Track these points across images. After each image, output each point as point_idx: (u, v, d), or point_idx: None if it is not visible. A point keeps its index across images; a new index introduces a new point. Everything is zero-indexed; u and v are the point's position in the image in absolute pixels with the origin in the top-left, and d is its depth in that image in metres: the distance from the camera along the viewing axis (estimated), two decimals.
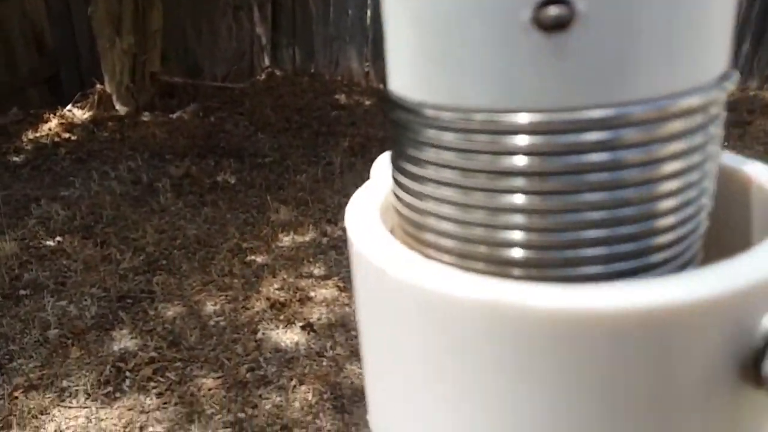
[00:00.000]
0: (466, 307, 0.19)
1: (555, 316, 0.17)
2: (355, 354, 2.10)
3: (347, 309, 2.31)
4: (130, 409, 1.86)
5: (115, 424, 1.81)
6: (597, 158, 0.18)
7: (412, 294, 0.20)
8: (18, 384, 1.96)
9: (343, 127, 4.04)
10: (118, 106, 4.19)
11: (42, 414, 1.86)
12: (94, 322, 2.25)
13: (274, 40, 4.82)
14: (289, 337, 2.18)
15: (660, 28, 0.17)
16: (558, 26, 0.17)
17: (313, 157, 3.61)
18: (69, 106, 4.15)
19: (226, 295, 2.42)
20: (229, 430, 1.80)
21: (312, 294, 2.40)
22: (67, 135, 3.88)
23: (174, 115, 4.22)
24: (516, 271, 0.20)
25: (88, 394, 1.91)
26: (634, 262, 0.19)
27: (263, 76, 4.82)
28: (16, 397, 1.91)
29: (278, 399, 1.91)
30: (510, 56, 0.17)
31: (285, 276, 2.51)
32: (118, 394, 1.92)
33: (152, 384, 1.97)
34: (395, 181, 0.24)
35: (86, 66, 4.31)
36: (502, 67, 0.18)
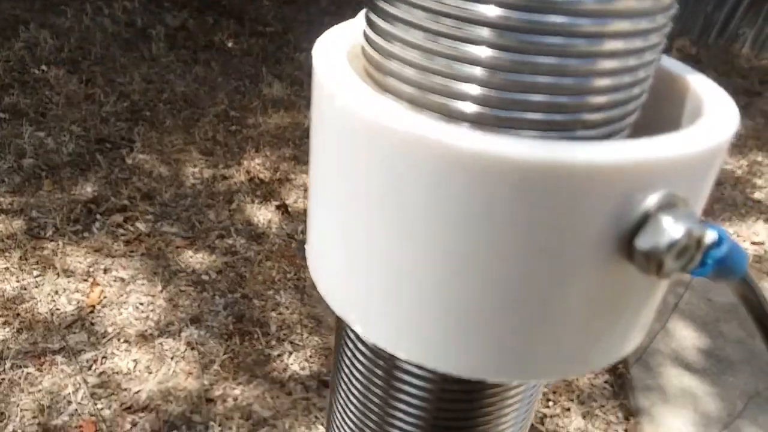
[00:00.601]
0: (401, 142, 0.20)
1: (469, 157, 0.19)
2: None
3: None
4: (96, 251, 1.89)
5: (80, 262, 1.84)
6: (555, 19, 0.19)
7: (363, 126, 0.21)
8: None
9: (352, 9, 3.88)
10: None
11: (8, 238, 1.87)
12: (70, 159, 2.22)
13: None
14: (262, 213, 2.20)
15: None
16: None
17: (316, 36, 3.48)
18: None
19: (207, 160, 2.40)
20: (191, 288, 1.84)
21: (292, 176, 2.40)
22: None
23: None
24: (468, 118, 0.21)
25: (57, 229, 1.93)
26: (566, 132, 0.21)
27: None
28: None
29: (243, 269, 1.95)
30: None
31: (268, 153, 2.49)
32: (86, 234, 1.94)
33: (121, 231, 1.99)
34: (367, 19, 0.24)
35: None
36: None
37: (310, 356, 1.73)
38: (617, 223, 0.20)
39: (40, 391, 1.48)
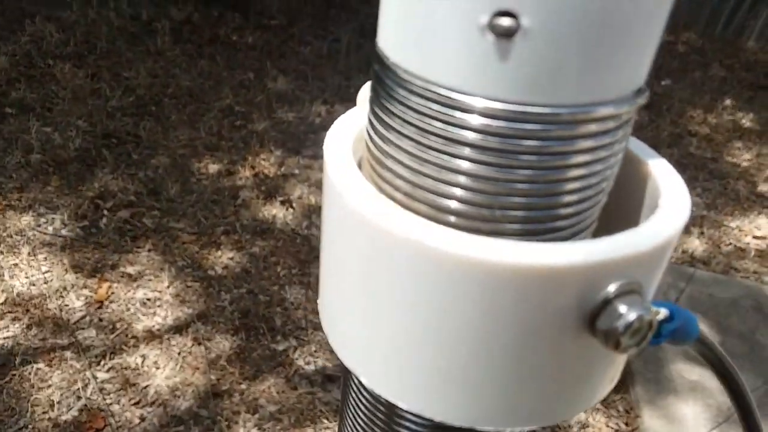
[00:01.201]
0: (397, 240, 0.24)
1: (455, 260, 0.23)
2: None
3: None
4: (104, 247, 1.91)
5: (88, 258, 1.86)
6: (528, 144, 0.23)
7: (360, 221, 0.25)
8: None
9: (357, 3, 3.88)
10: None
11: (17, 234, 1.90)
12: (77, 154, 2.24)
13: None
14: (267, 209, 2.22)
15: (587, 49, 0.21)
16: (506, 34, 0.21)
17: (320, 30, 3.50)
18: None
19: (212, 155, 2.42)
20: (197, 284, 1.87)
21: (296, 171, 2.42)
22: None
23: None
24: (451, 219, 0.25)
25: (65, 224, 1.95)
26: (542, 226, 0.25)
27: None
28: None
29: (248, 264, 1.98)
30: (468, 49, 0.22)
31: (273, 148, 2.51)
32: (93, 230, 1.96)
33: (128, 227, 2.01)
34: (369, 121, 0.28)
35: None
36: (461, 55, 0.22)
37: (315, 351, 1.75)
38: (582, 307, 0.24)
39: (50, 386, 1.51)
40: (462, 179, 0.24)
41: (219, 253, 2.00)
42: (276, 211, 2.21)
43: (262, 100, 2.78)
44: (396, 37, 0.24)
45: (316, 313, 1.86)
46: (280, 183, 2.33)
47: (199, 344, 1.70)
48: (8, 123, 2.32)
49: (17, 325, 1.65)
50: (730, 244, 2.55)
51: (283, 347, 1.74)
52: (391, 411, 0.31)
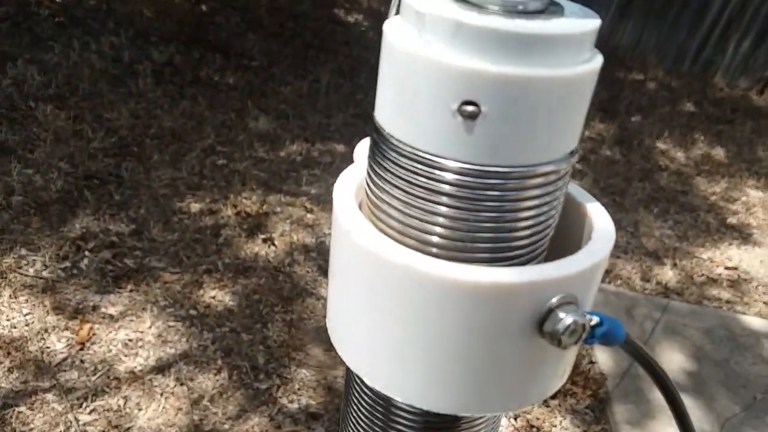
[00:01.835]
0: (393, 267, 0.31)
1: (438, 281, 0.31)
2: (310, 274, 2.17)
3: (310, 230, 2.37)
4: (85, 288, 1.91)
5: (69, 300, 1.86)
6: (491, 193, 0.30)
7: (363, 253, 0.32)
8: None
9: (336, 44, 3.98)
10: None
11: None
12: (58, 196, 2.25)
13: None
14: (249, 247, 2.24)
15: (529, 127, 0.29)
16: (470, 117, 0.28)
17: (300, 70, 3.57)
18: None
19: (194, 194, 2.44)
20: (180, 324, 1.87)
21: (278, 209, 2.45)
22: None
23: None
24: (434, 250, 0.32)
25: (46, 266, 1.95)
26: (504, 254, 0.32)
27: None
28: None
29: (231, 303, 1.99)
30: (443, 126, 0.29)
31: (255, 186, 2.54)
32: (75, 271, 1.97)
33: (110, 267, 2.02)
34: (368, 174, 0.35)
35: None
36: (438, 130, 0.30)
37: (299, 389, 1.76)
38: (532, 315, 0.31)
39: (32, 430, 1.50)
40: (441, 220, 0.31)
41: (201, 291, 2.02)
42: (258, 249, 2.23)
43: (244, 140, 2.82)
44: (390, 115, 0.31)
45: (299, 350, 1.88)
46: (262, 221, 2.36)
47: (182, 384, 1.70)
48: None
49: None
50: (703, 275, 2.61)
51: (266, 386, 1.75)
52: (388, 404, 0.38)
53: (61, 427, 1.52)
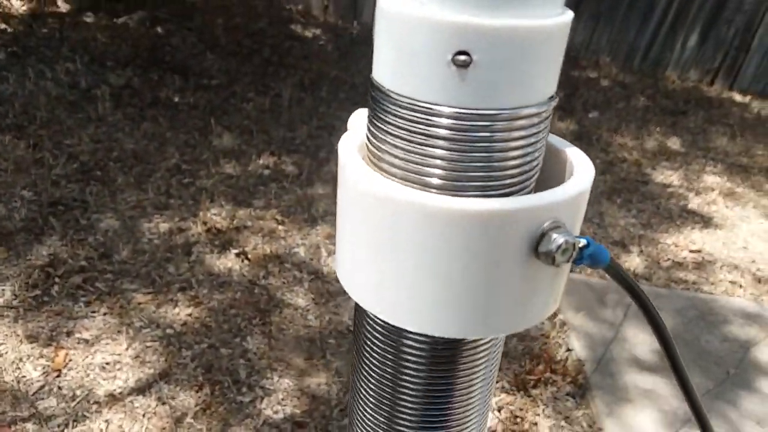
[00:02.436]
0: (400, 205, 0.35)
1: (442, 213, 0.34)
2: (286, 285, 2.17)
3: (282, 242, 2.37)
4: (58, 314, 1.88)
5: (42, 327, 1.83)
6: (482, 134, 0.34)
7: (372, 198, 0.36)
8: None
9: (295, 59, 3.99)
10: (60, 2, 3.98)
11: None
12: (23, 224, 2.21)
13: None
14: (222, 262, 2.23)
15: (514, 73, 0.33)
16: (463, 65, 0.32)
17: (261, 86, 3.57)
18: None
19: (162, 214, 2.42)
20: (157, 343, 1.85)
21: (249, 223, 2.44)
22: (2, 26, 3.67)
23: (119, 21, 4.05)
24: (434, 190, 0.35)
25: (15, 295, 1.91)
26: (497, 190, 0.35)
27: None
28: None
29: (207, 319, 1.97)
30: (438, 75, 0.33)
31: (223, 202, 2.53)
32: (46, 299, 1.93)
33: (81, 292, 1.99)
34: (368, 130, 0.38)
35: None
36: (435, 80, 0.33)
37: (282, 399, 1.75)
38: (528, 238, 0.35)
39: None
40: (438, 161, 0.35)
41: (177, 310, 2.00)
42: (231, 264, 2.22)
43: (209, 157, 2.81)
44: (389, 73, 0.35)
45: (280, 360, 1.87)
46: (233, 236, 2.35)
47: (164, 404, 1.68)
48: None
49: None
50: (668, 259, 2.69)
51: (249, 398, 1.74)
52: (398, 336, 0.40)
53: None
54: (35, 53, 3.46)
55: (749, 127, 4.21)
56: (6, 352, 1.73)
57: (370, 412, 0.44)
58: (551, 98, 0.36)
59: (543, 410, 1.83)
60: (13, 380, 1.66)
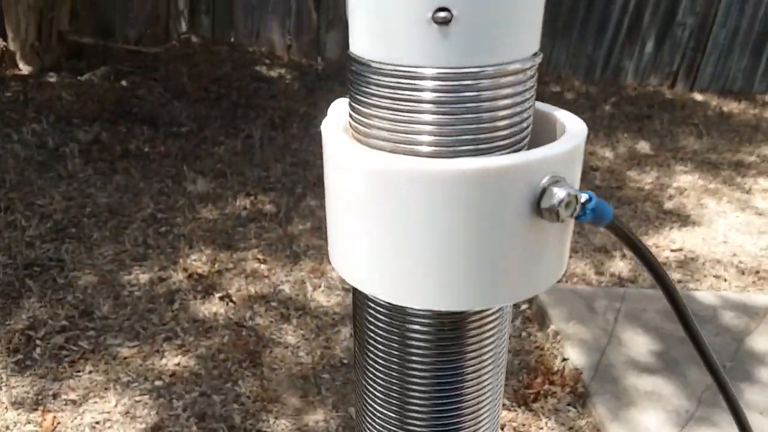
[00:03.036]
0: (393, 175, 0.34)
1: (439, 176, 0.33)
2: (274, 324, 2.14)
3: (267, 281, 2.34)
4: (41, 377, 1.83)
5: (27, 392, 1.77)
6: (468, 93, 0.33)
7: (363, 174, 0.35)
8: None
9: (262, 99, 4.01)
10: (21, 65, 3.96)
11: None
12: (0, 290, 2.16)
13: (192, 5, 4.68)
14: (207, 307, 2.19)
15: (496, 29, 0.32)
16: (444, 22, 0.31)
17: (231, 129, 3.57)
18: None
19: (141, 265, 2.39)
20: (146, 396, 1.80)
21: (230, 266, 2.42)
22: None
23: (82, 78, 4.04)
24: (422, 154, 0.34)
25: None
26: (489, 150, 0.34)
27: (179, 43, 4.68)
28: None
29: (196, 367, 1.93)
30: (419, 35, 0.32)
31: (203, 247, 2.50)
32: (28, 362, 1.88)
33: (64, 352, 1.94)
34: (351, 107, 0.37)
35: None
36: (416, 41, 0.32)
37: None
38: (529, 195, 0.34)
39: None
40: (427, 127, 0.33)
41: (164, 361, 1.95)
42: (216, 308, 2.19)
43: (184, 204, 2.79)
44: (367, 43, 0.34)
45: (274, 401, 1.83)
46: (216, 279, 2.32)
47: None
48: None
49: None
50: None
51: None
52: (402, 314, 0.38)
53: None
54: (0, 117, 3.43)
55: (713, 124, 4.30)
56: None
57: (379, 407, 0.42)
58: (535, 55, 0.35)
59: (546, 423, 1.81)
60: None
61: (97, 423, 1.71)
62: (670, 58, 4.82)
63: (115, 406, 1.77)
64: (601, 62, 4.85)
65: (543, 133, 0.40)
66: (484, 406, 0.41)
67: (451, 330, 0.38)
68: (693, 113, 4.48)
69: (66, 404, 1.76)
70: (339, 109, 0.41)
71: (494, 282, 0.35)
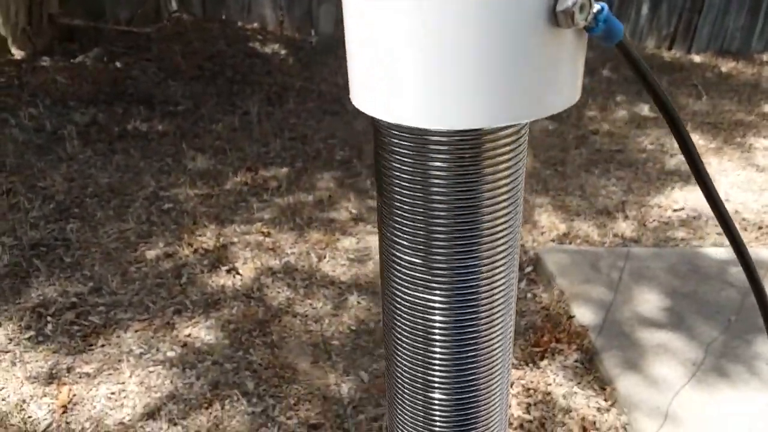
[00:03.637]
0: None
1: None
2: (282, 294, 2.15)
3: (272, 253, 2.35)
4: (55, 352, 1.84)
5: (41, 366, 1.79)
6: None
7: None
8: None
9: (258, 75, 3.98)
10: (14, 50, 3.93)
11: None
12: (7, 270, 2.17)
13: None
14: (214, 280, 2.20)
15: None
16: None
17: (228, 106, 3.56)
18: None
19: (146, 242, 2.39)
20: (159, 367, 1.82)
21: (235, 239, 2.42)
22: None
23: (76, 60, 4.01)
24: None
25: (10, 339, 1.87)
26: None
27: (171, 21, 4.64)
28: None
29: (207, 338, 1.95)
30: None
31: (206, 223, 2.51)
32: (41, 338, 1.89)
33: (76, 328, 1.95)
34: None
35: None
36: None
37: (294, 404, 1.73)
38: (545, 2, 0.34)
39: None
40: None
41: (175, 332, 1.97)
42: (223, 281, 2.20)
43: (186, 181, 2.79)
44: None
45: (286, 368, 1.85)
46: (222, 253, 2.33)
47: (175, 425, 1.65)
48: None
49: None
50: (654, 220, 2.72)
51: (261, 408, 1.72)
52: (424, 141, 0.38)
53: None
54: None
55: (713, 85, 4.29)
56: (8, 396, 1.69)
57: (406, 255, 0.42)
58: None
59: (554, 379, 1.83)
60: (19, 422, 1.62)
61: (113, 394, 1.73)
62: (667, 20, 4.79)
63: (129, 377, 1.79)
64: None
65: None
66: (500, 235, 0.42)
67: (470, 158, 0.38)
68: (692, 75, 4.46)
69: (81, 377, 1.78)
70: None
71: (512, 95, 0.35)
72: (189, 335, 1.96)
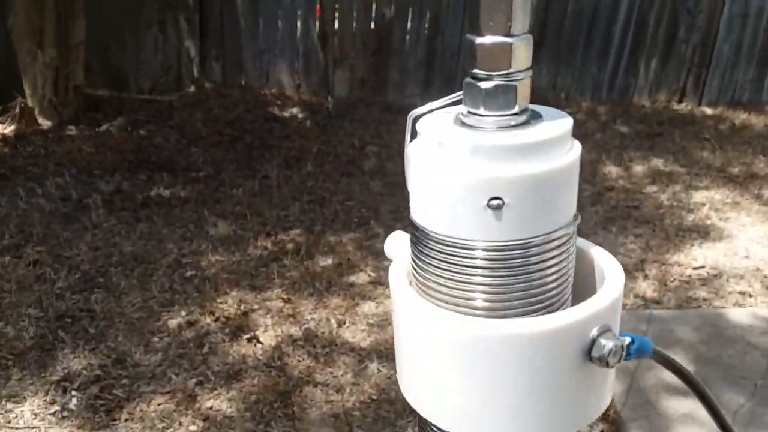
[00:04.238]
0: (448, 330, 0.40)
1: (484, 336, 0.39)
2: (303, 362, 2.16)
3: (292, 319, 2.37)
4: (79, 428, 1.86)
5: None
6: (518, 261, 0.39)
7: (422, 322, 0.41)
8: None
9: (276, 140, 4.08)
10: (40, 120, 4.07)
11: None
12: (33, 342, 2.21)
13: (203, 53, 4.80)
14: (236, 350, 2.22)
15: (541, 209, 0.38)
16: (497, 208, 0.37)
17: (248, 171, 3.64)
18: None
19: (169, 311, 2.42)
20: None
21: (255, 307, 2.45)
22: None
23: (100, 129, 4.14)
24: (477, 312, 0.40)
25: (35, 415, 1.89)
26: (536, 307, 0.40)
27: (192, 89, 4.79)
28: None
29: (229, 410, 1.95)
30: (476, 218, 0.38)
31: (228, 290, 2.54)
32: (65, 413, 1.91)
33: (100, 402, 1.97)
34: (413, 262, 0.44)
35: (6, 79, 4.16)
36: (473, 222, 0.38)
37: None
38: (581, 347, 0.39)
39: None
40: (479, 287, 0.39)
41: (197, 405, 1.98)
42: (245, 350, 2.21)
43: (207, 247, 2.83)
44: (430, 217, 0.41)
45: None
46: (243, 321, 2.35)
47: None
48: None
49: None
50: (675, 279, 2.70)
51: None
52: None
53: None
54: (23, 172, 3.52)
55: (726, 137, 4.31)
56: None
57: None
58: (574, 217, 0.41)
59: None
60: None
61: None
62: (676, 74, 4.86)
63: None
64: (607, 83, 4.89)
65: (583, 269, 0.45)
66: None
67: None
68: (704, 127, 4.49)
69: None
70: (395, 250, 0.47)
71: (555, 420, 0.40)
72: (211, 407, 1.96)
